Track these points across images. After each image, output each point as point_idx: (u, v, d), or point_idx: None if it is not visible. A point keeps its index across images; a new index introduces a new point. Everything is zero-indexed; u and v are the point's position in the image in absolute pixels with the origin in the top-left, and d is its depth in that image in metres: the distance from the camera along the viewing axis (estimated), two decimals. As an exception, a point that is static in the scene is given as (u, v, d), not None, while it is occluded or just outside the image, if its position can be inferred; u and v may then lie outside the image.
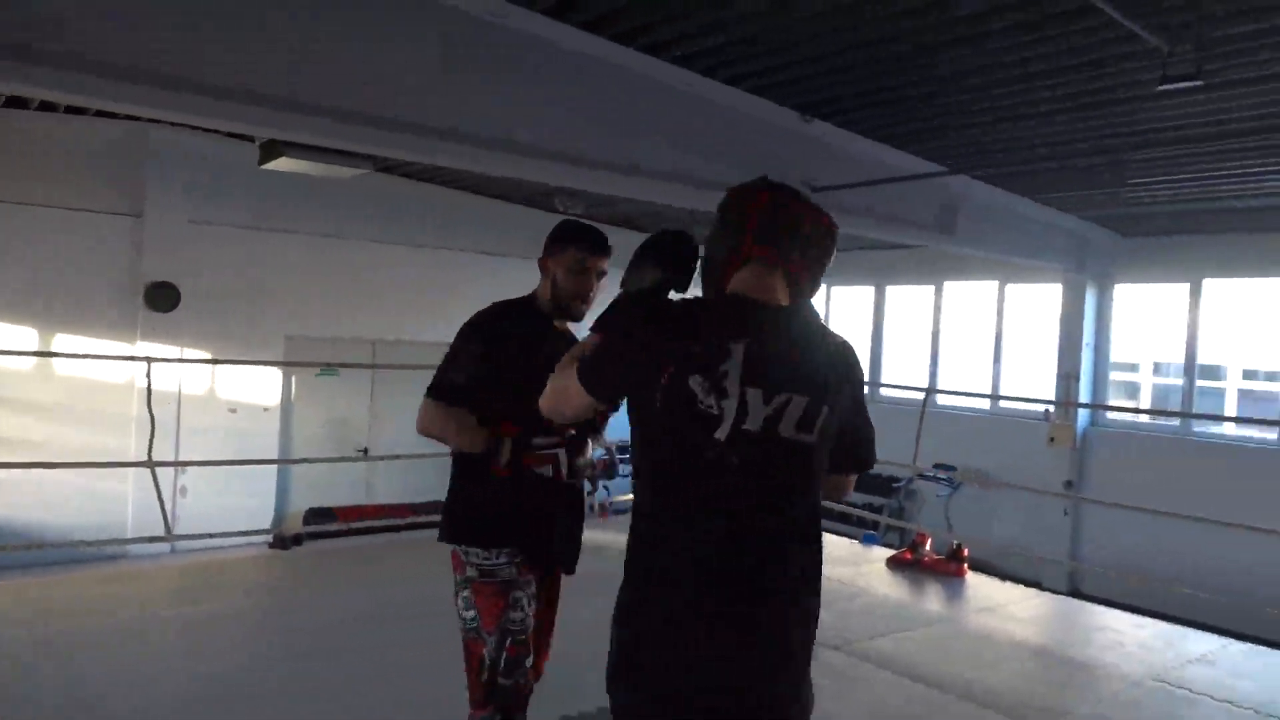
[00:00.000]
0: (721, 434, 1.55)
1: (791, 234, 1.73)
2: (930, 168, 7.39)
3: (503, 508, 2.44)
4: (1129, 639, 4.78)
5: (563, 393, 1.74)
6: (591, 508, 10.69)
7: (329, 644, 4.11)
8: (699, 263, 1.82)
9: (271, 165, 6.74)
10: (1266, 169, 7.19)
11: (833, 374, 1.67)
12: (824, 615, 4.79)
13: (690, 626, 1.58)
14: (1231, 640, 4.78)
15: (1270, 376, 9.36)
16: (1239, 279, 9.41)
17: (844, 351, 1.72)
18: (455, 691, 3.38)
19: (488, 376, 2.47)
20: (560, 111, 5.53)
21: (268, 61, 4.44)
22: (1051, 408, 9.88)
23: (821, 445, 1.62)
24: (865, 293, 12.64)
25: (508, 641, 2.38)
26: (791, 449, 1.58)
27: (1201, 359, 9.78)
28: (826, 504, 1.81)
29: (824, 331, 1.73)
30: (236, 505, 8.44)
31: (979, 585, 5.66)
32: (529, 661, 2.44)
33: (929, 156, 7.36)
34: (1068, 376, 10.17)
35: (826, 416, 1.61)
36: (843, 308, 13.05)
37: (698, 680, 1.56)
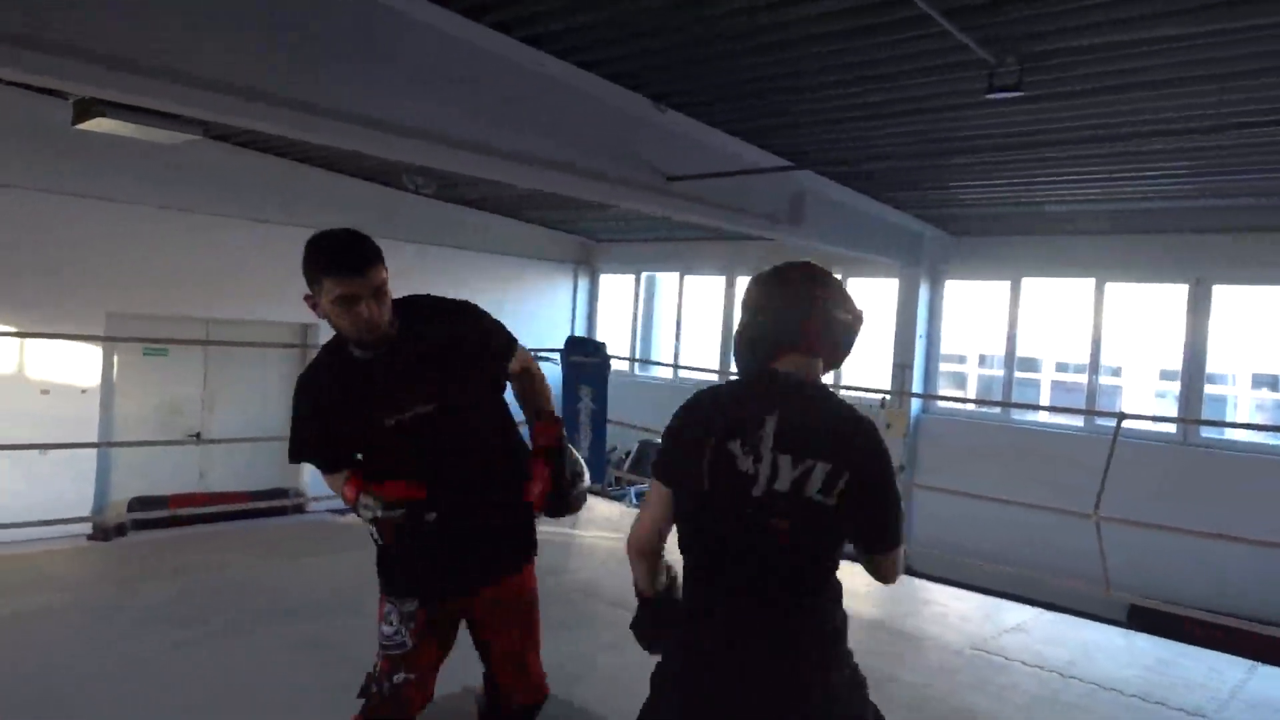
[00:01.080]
0: (757, 491, 1.79)
1: (831, 327, 1.93)
2: (780, 162, 7.62)
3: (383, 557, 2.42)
4: (952, 611, 5.10)
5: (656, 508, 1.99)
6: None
7: (152, 641, 3.86)
8: (741, 336, 1.99)
9: (86, 126, 6.21)
10: (1080, 177, 7.82)
11: (854, 447, 1.82)
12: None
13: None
14: (1043, 610, 5.17)
15: (1079, 369, 10.19)
16: (1054, 278, 10.19)
17: (868, 430, 1.85)
18: (296, 686, 3.24)
19: (331, 437, 2.33)
20: (410, 86, 5.35)
21: (82, 9, 4.08)
22: (887, 396, 10.39)
23: (839, 508, 1.78)
24: (717, 283, 12.93)
25: (378, 655, 2.41)
26: (816, 508, 1.78)
27: (1020, 352, 10.55)
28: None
29: (849, 409, 1.88)
30: (50, 495, 7.79)
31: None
32: (398, 677, 2.37)
33: (778, 151, 7.59)
34: (902, 367, 10.75)
35: (847, 480, 1.78)
36: (695, 297, 13.30)
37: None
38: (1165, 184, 7.75)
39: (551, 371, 6.91)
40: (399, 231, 11.49)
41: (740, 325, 2.00)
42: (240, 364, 10.44)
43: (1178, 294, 9.29)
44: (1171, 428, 9.06)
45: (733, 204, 7.90)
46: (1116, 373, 10.24)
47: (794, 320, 1.91)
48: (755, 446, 1.81)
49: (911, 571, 9.59)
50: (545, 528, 6.33)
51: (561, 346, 6.85)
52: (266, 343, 10.19)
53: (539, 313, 13.71)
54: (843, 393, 11.19)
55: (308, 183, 10.33)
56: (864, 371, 11.38)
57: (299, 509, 7.80)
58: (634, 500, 8.95)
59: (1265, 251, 8.67)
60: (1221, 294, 9.13)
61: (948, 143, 7.12)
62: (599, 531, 6.43)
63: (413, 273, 12.63)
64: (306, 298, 2.22)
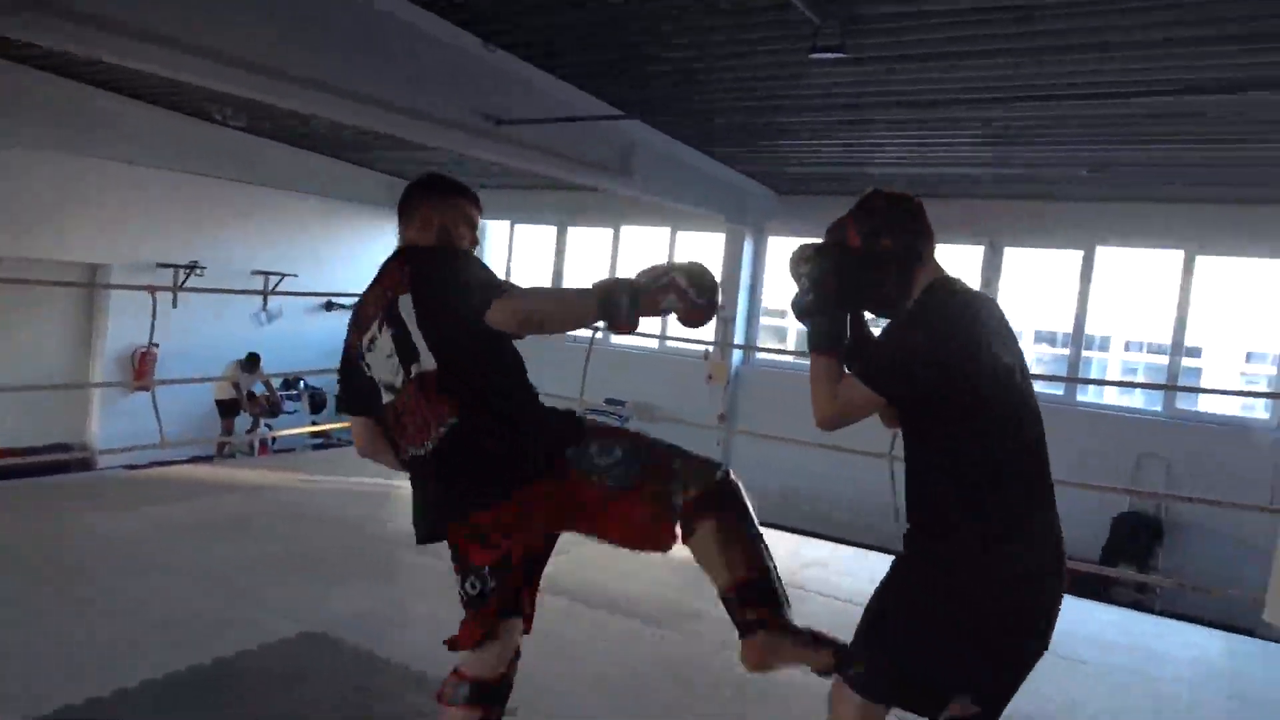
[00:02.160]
0: (1019, 378, 1.97)
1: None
2: (610, 111, 7.58)
3: None
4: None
5: (856, 407, 2.02)
6: (252, 446, 9.98)
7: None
8: (871, 258, 2.06)
9: None
10: (900, 140, 8.21)
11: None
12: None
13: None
14: (842, 546, 5.52)
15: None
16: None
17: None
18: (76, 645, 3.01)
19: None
20: (223, 8, 4.94)
21: None
22: (711, 348, 10.69)
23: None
24: (549, 232, 12.82)
25: None
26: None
27: (836, 308, 11.07)
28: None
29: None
30: None
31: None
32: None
33: (610, 100, 7.54)
34: (725, 319, 11.06)
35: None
36: (526, 246, 13.15)
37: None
38: (966, 151, 8.27)
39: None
40: (204, 166, 10.70)
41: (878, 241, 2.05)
42: (24, 306, 9.48)
43: (974, 255, 10.01)
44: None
45: (563, 151, 7.82)
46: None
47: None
48: (1003, 341, 1.97)
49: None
50: (363, 477, 6.15)
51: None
52: (50, 281, 9.29)
53: (359, 257, 13.15)
54: (667, 343, 11.42)
55: (102, 111, 9.36)
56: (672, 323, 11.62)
57: (85, 464, 7.20)
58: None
59: (1050, 218, 9.46)
60: (1012, 256, 9.91)
61: (775, 101, 7.30)
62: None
63: (223, 211, 11.87)
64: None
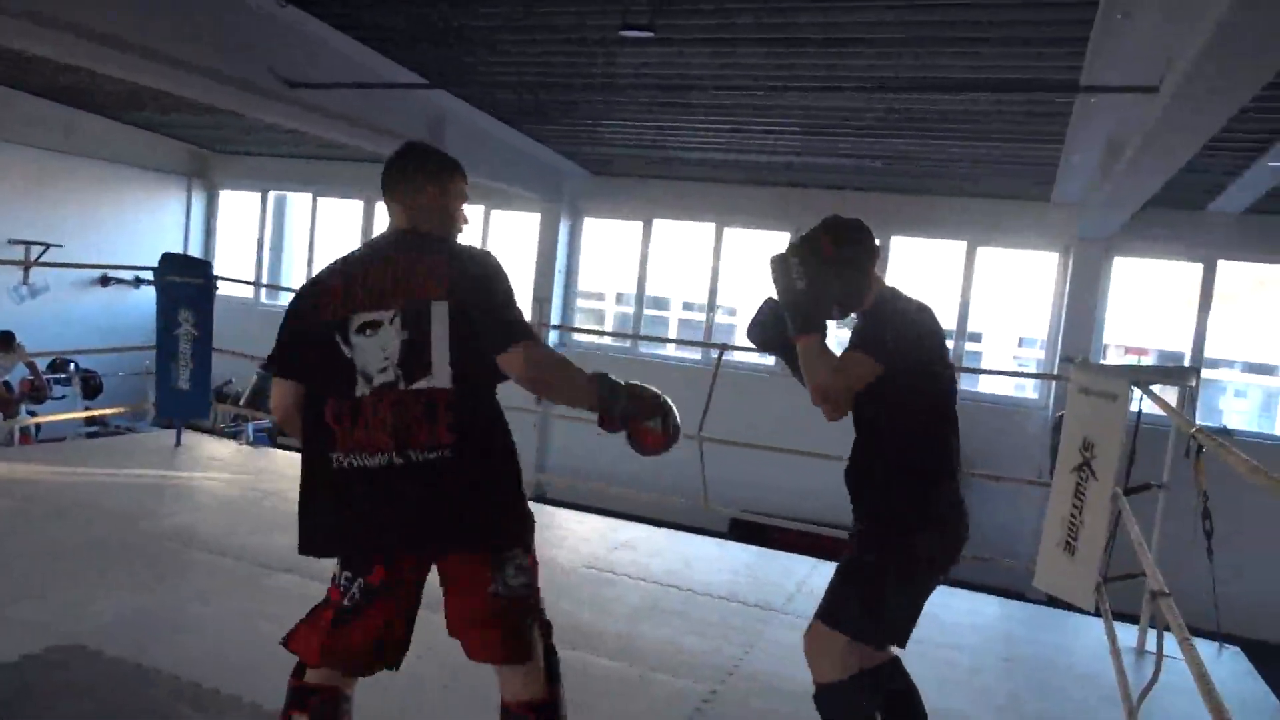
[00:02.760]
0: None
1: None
2: (416, 79, 7.24)
3: None
4: (573, 534, 5.28)
5: (858, 377, 2.33)
6: (12, 435, 8.91)
7: None
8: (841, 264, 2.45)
9: None
10: (709, 125, 8.33)
11: None
12: (280, 538, 4.37)
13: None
14: (653, 528, 5.54)
15: (701, 308, 11.03)
16: (684, 221, 10.87)
17: None
18: None
19: None
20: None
21: None
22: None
23: None
24: (355, 206, 12.20)
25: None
26: None
27: (651, 291, 11.18)
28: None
29: None
30: None
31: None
32: None
33: (416, 68, 7.20)
34: (541, 300, 10.93)
35: None
36: (331, 221, 12.46)
37: None
38: (777, 140, 8.52)
39: (152, 294, 6.05)
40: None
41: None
42: None
43: (781, 240, 10.37)
44: (771, 360, 10.15)
45: (365, 120, 7.40)
46: (732, 312, 11.24)
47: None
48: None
49: (543, 499, 9.93)
50: (140, 469, 5.59)
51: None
52: None
53: (142, 229, 12.03)
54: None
55: None
56: (505, 305, 11.40)
57: None
58: (250, 437, 8.22)
59: (849, 208, 9.92)
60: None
61: (586, 78, 7.21)
62: (203, 472, 5.80)
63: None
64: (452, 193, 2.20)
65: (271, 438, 9.47)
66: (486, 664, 2.11)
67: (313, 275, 2.20)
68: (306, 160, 12.02)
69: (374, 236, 2.23)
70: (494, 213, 11.45)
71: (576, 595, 4.20)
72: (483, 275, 2.05)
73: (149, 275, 6.07)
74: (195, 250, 12.66)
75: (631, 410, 2.18)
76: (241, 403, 9.65)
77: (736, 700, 3.24)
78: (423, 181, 2.15)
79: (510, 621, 2.06)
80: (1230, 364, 9.83)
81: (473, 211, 10.45)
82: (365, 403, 1.97)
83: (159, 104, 9.60)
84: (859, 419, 2.47)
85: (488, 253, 2.15)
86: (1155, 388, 3.87)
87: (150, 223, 12.20)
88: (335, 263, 2.17)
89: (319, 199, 12.39)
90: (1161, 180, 6.35)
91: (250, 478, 5.69)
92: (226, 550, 4.26)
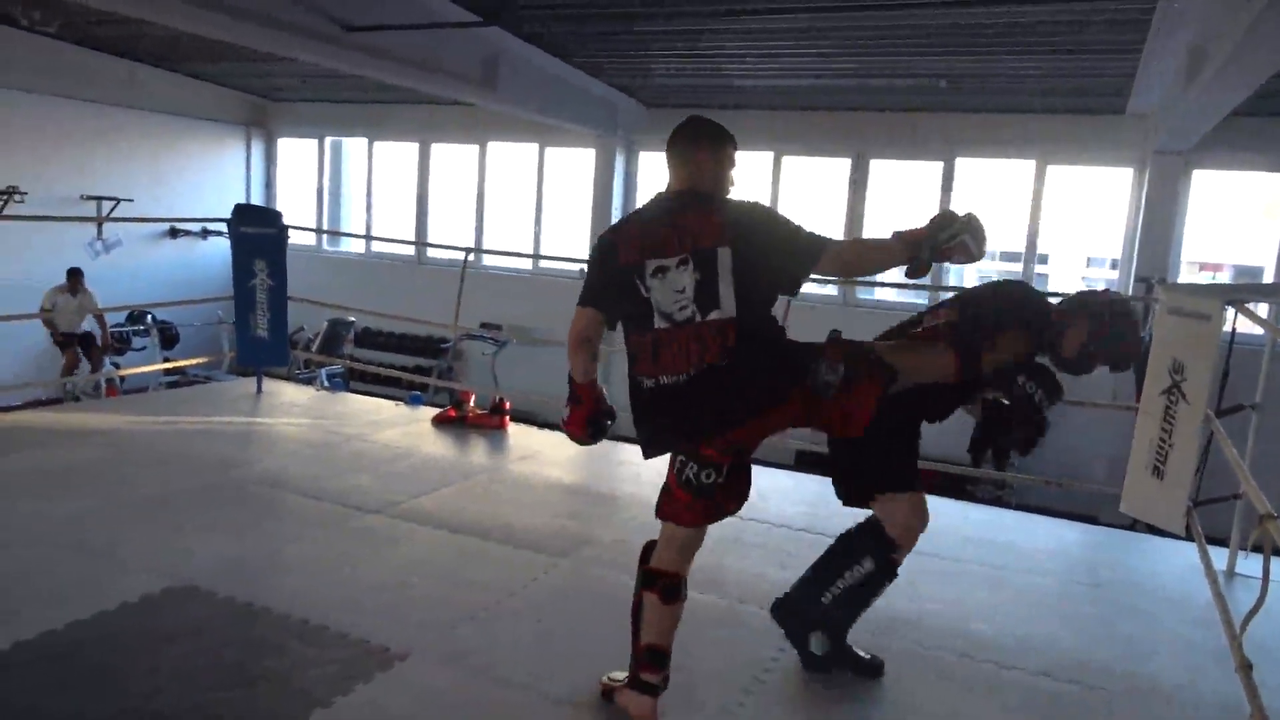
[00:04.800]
0: None
1: None
2: (470, 16, 7.14)
3: None
4: (645, 469, 5.31)
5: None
6: (98, 387, 9.26)
7: None
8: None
9: None
10: (764, 51, 8.11)
11: None
12: (365, 480, 4.55)
13: None
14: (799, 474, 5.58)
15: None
16: (741, 151, 10.63)
17: None
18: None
19: None
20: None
21: None
22: (586, 267, 10.52)
23: None
24: (410, 150, 12.22)
25: None
26: None
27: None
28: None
29: None
30: None
31: (520, 436, 5.92)
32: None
33: (468, 5, 7.10)
34: (601, 237, 10.90)
35: None
36: (387, 165, 12.52)
37: None
38: (835, 63, 8.27)
39: (220, 244, 6.19)
40: (14, 80, 9.59)
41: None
42: None
43: (842, 167, 10.13)
44: (833, 289, 10.02)
45: (421, 61, 7.36)
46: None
47: None
48: None
49: (613, 436, 10.05)
50: (225, 416, 5.79)
51: (229, 217, 6.09)
52: None
53: (205, 180, 12.22)
54: (541, 264, 11.17)
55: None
56: (563, 242, 11.42)
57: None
58: (325, 382, 8.43)
59: (913, 130, 9.64)
60: (878, 168, 10.08)
61: (635, 7, 7.04)
62: (285, 418, 5.97)
63: (43, 129, 10.75)
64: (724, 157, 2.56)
65: (345, 381, 9.70)
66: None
67: (612, 224, 2.67)
68: (361, 105, 12.04)
69: (659, 194, 2.57)
70: (548, 150, 11.38)
71: (654, 528, 4.27)
72: (760, 221, 2.47)
73: (215, 227, 6.20)
74: (256, 200, 12.85)
75: (937, 250, 2.44)
76: (314, 349, 9.87)
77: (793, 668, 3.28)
78: (702, 149, 2.52)
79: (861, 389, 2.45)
80: (1314, 276, 9.43)
81: (527, 150, 10.38)
82: (665, 335, 2.39)
83: (215, 54, 9.66)
84: None
85: (756, 202, 2.54)
86: (1251, 306, 3.74)
87: (212, 174, 12.39)
88: (630, 215, 2.58)
89: (375, 143, 12.43)
90: (1250, 89, 6.03)
91: (331, 422, 5.84)
92: (315, 493, 4.41)
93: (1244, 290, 4.26)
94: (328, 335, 10.06)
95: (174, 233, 11.67)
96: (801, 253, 2.44)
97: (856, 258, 2.58)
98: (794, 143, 10.26)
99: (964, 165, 9.72)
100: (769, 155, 10.40)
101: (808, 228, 2.49)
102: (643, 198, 11.16)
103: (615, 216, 11.02)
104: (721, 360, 2.35)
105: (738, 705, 2.75)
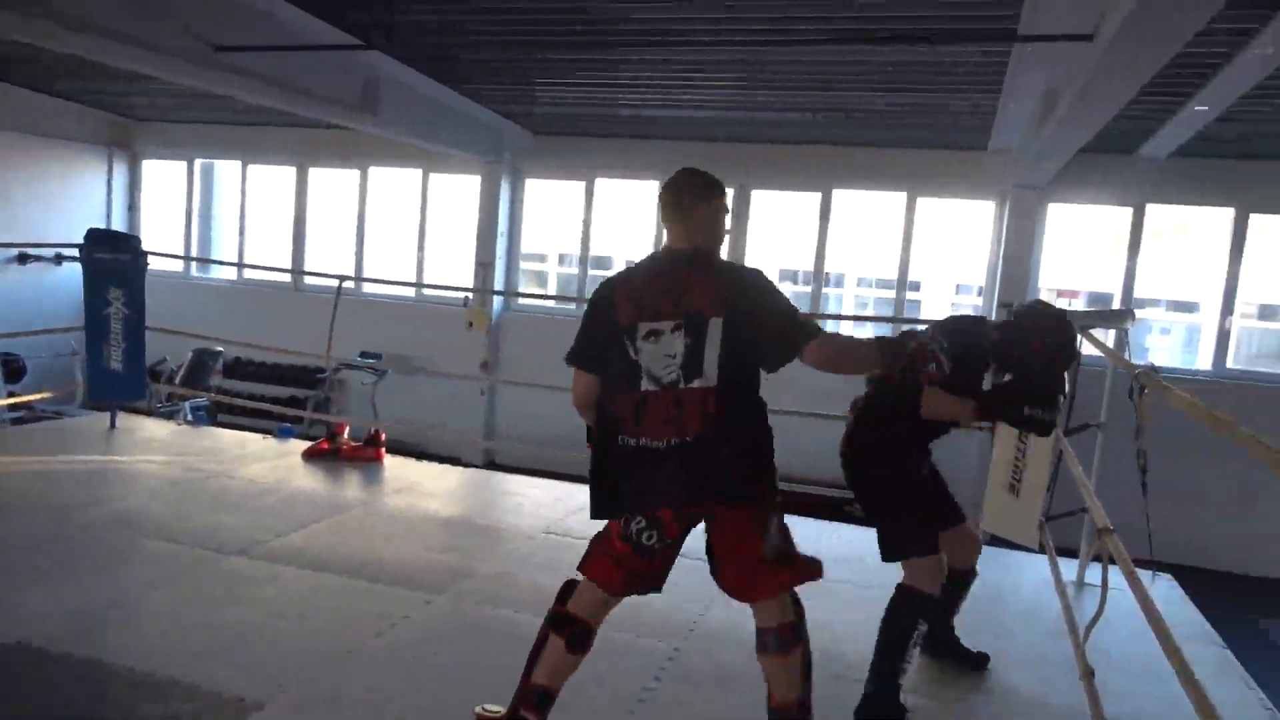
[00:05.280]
0: None
1: None
2: (349, 40, 6.99)
3: None
4: (528, 500, 5.28)
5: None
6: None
7: None
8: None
9: None
10: (650, 82, 8.22)
11: None
12: (228, 519, 4.34)
13: None
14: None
15: (644, 266, 10.98)
16: (627, 179, 10.77)
17: None
18: None
19: None
20: None
21: None
22: (469, 295, 10.40)
23: None
24: (287, 173, 11.84)
25: None
26: None
27: (595, 251, 11.11)
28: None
29: None
30: None
31: (397, 467, 5.76)
32: None
33: (348, 28, 6.95)
34: (484, 264, 10.80)
35: None
36: (261, 188, 12.08)
37: None
38: (718, 95, 8.45)
39: (76, 271, 5.82)
40: None
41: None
42: None
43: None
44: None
45: (295, 84, 7.15)
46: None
47: None
48: None
49: (493, 465, 9.91)
50: (74, 454, 5.42)
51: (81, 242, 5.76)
52: None
53: (62, 203, 11.53)
54: (423, 291, 10.97)
55: None
56: (446, 271, 11.25)
57: None
58: (189, 416, 8.01)
59: (792, 161, 9.94)
60: (760, 198, 10.34)
61: (522, 35, 7.04)
62: (141, 455, 5.64)
63: None
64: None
65: (211, 415, 9.25)
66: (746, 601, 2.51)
67: (607, 278, 2.61)
68: (234, 126, 11.60)
69: (658, 251, 2.60)
70: (433, 176, 11.22)
71: (538, 560, 4.22)
72: (756, 295, 2.45)
73: (72, 252, 5.83)
74: (118, 224, 12.18)
75: (911, 364, 2.54)
76: (177, 381, 9.38)
77: (700, 654, 3.30)
78: (699, 204, 2.54)
79: (772, 565, 2.45)
80: (1156, 303, 10.15)
81: (410, 175, 10.21)
82: (651, 397, 2.39)
83: (74, 70, 9.16)
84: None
85: (758, 271, 2.53)
86: (1095, 331, 3.98)
87: (69, 196, 11.70)
88: (625, 272, 2.59)
89: (249, 166, 11.99)
90: (1096, 127, 6.46)
91: (192, 458, 5.56)
92: (172, 535, 4.17)
93: (1089, 317, 4.53)
94: (192, 366, 9.58)
95: (23, 259, 10.96)
96: (789, 340, 2.41)
97: (835, 356, 2.50)
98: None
99: (840, 196, 10.07)
100: (654, 184, 10.53)
101: (800, 313, 2.50)
102: (529, 225, 11.20)
103: (501, 244, 10.94)
104: (705, 432, 2.36)
105: (610, 739, 2.72)
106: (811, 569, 2.50)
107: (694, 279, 2.43)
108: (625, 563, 2.47)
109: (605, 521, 2.54)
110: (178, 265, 12.05)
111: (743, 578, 2.48)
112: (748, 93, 8.30)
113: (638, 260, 2.61)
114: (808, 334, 2.42)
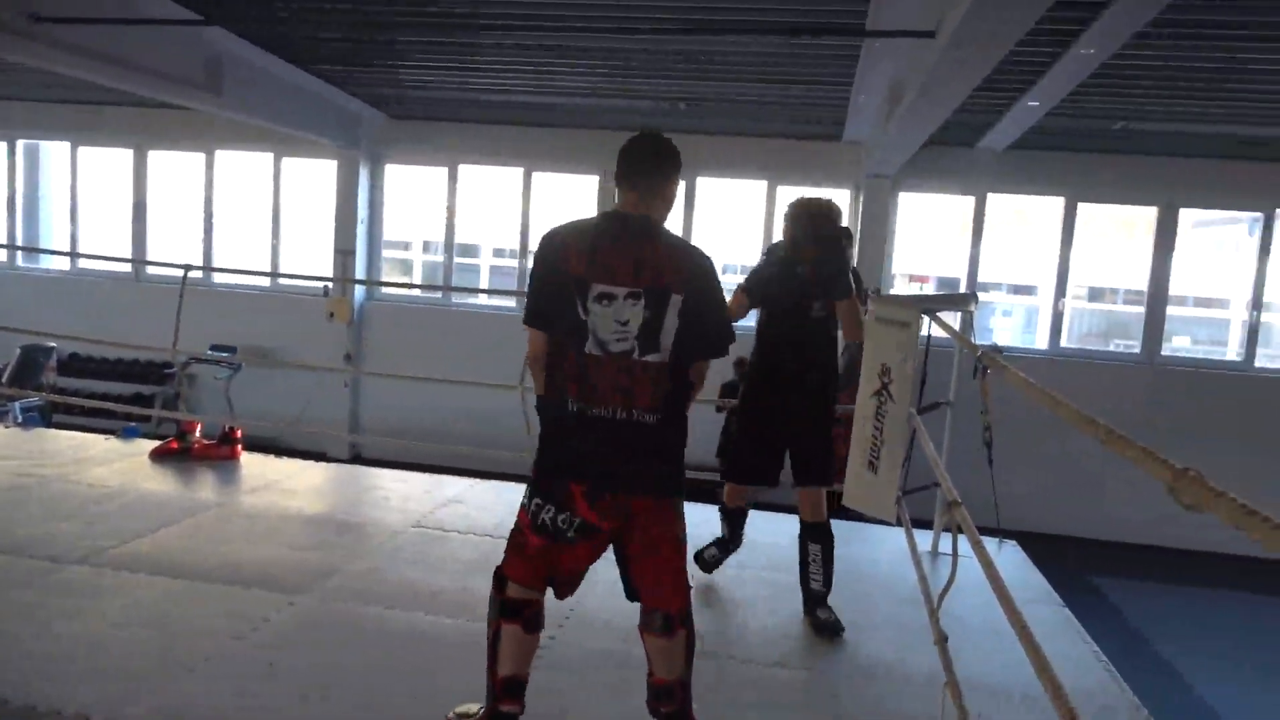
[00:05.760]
0: None
1: None
2: (187, 14, 6.59)
3: None
4: (395, 494, 5.15)
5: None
6: None
7: None
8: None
9: None
10: (509, 67, 8.11)
11: None
12: (66, 526, 4.07)
13: None
14: (478, 480, 5.49)
15: (513, 254, 10.88)
16: (488, 166, 10.61)
17: None
18: None
19: None
20: None
21: None
22: (329, 285, 10.03)
23: None
24: (124, 156, 11.08)
25: None
26: None
27: (460, 238, 10.91)
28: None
29: None
30: None
31: (254, 465, 5.50)
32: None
33: (187, 3, 6.55)
34: (344, 253, 10.44)
35: None
36: (95, 171, 11.27)
37: None
38: (578, 82, 8.43)
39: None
40: None
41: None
42: None
43: (590, 184, 10.34)
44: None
45: (132, 61, 6.69)
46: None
47: None
48: None
49: (359, 460, 9.62)
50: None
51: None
52: None
53: None
54: (280, 281, 10.52)
55: None
56: (304, 260, 10.81)
57: None
58: (18, 417, 7.41)
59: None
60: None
61: (378, 14, 6.81)
62: (-37, 460, 5.18)
63: None
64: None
65: (44, 416, 8.58)
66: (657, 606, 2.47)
67: (551, 230, 2.46)
68: (64, 105, 10.75)
69: (607, 212, 2.47)
70: (285, 160, 10.73)
71: (407, 555, 4.12)
72: (711, 280, 2.44)
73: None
74: (-72, 210, 11.12)
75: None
76: (4, 380, 8.65)
77: (575, 642, 3.30)
78: (667, 175, 2.49)
79: (680, 564, 2.49)
80: (998, 286, 10.82)
81: (261, 159, 9.79)
82: (599, 362, 2.32)
83: None
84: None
85: (702, 254, 2.48)
86: (942, 314, 4.20)
87: None
88: (569, 228, 2.45)
89: (79, 148, 11.14)
90: (939, 121, 6.81)
91: (24, 462, 5.14)
92: (4, 545, 3.85)
93: (937, 300, 4.79)
94: (20, 364, 8.84)
95: None
96: (723, 339, 2.47)
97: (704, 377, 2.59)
98: (544, 159, 10.34)
99: (704, 183, 10.24)
100: (519, 170, 10.43)
101: (727, 314, 2.53)
102: (390, 211, 10.88)
103: (360, 230, 10.59)
104: (654, 409, 2.34)
105: None
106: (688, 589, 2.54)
107: (656, 250, 2.37)
108: (542, 556, 2.43)
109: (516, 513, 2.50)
110: (0, 255, 11.12)
111: (665, 577, 2.45)
112: (607, 80, 8.31)
113: (576, 219, 2.48)
114: (727, 341, 2.48)
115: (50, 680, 2.76)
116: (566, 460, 2.39)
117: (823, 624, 3.53)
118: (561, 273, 2.36)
